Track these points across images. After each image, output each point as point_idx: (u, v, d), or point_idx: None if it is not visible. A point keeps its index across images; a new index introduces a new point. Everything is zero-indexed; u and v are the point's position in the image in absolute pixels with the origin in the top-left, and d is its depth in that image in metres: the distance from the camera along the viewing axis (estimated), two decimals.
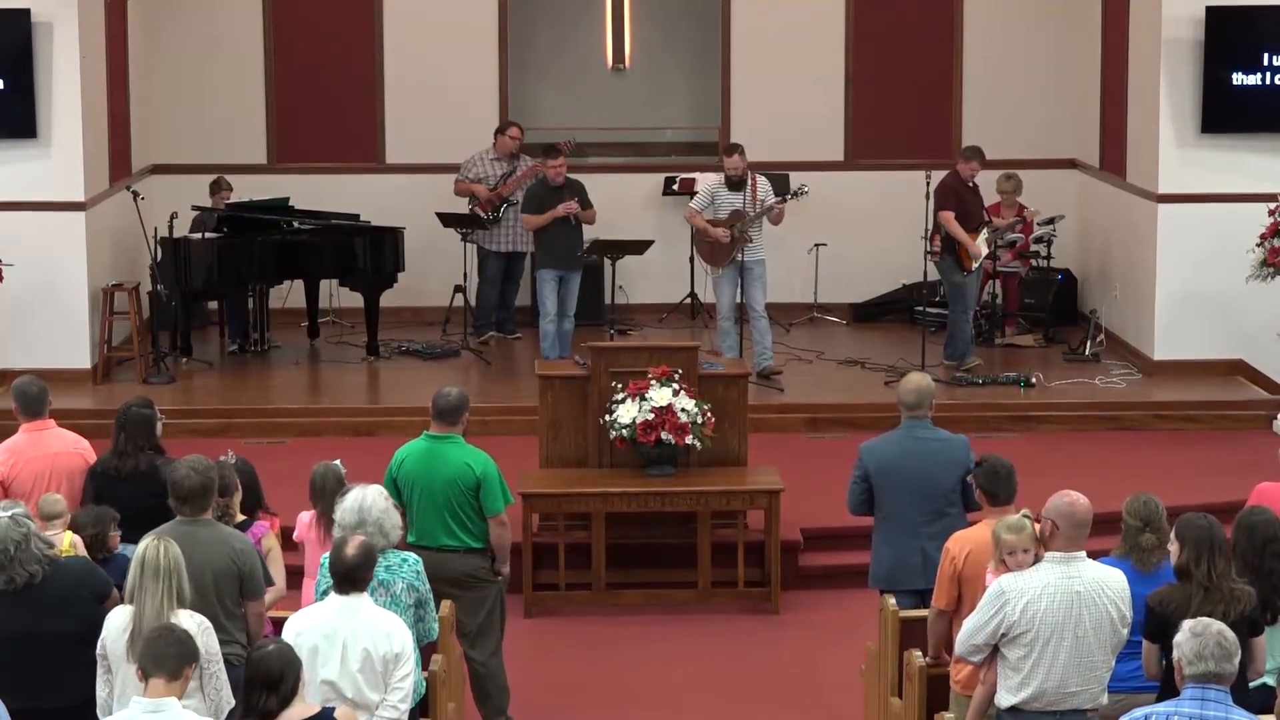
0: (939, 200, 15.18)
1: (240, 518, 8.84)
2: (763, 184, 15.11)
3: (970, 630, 7.64)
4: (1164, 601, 7.52)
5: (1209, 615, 7.35)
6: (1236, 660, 6.68)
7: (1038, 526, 7.75)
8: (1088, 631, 7.48)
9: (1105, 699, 7.61)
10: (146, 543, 7.38)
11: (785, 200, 15.03)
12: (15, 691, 7.62)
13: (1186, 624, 6.74)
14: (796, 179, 15.68)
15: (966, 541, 8.36)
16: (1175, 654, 6.72)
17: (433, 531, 9.58)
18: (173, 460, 8.73)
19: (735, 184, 15.03)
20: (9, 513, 7.83)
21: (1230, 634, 6.70)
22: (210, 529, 8.05)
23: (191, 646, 6.74)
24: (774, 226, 15.25)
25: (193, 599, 7.47)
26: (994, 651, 7.63)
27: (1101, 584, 7.53)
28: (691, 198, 16.29)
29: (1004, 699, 7.61)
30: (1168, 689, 7.21)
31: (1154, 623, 7.45)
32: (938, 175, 15.33)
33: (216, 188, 16.55)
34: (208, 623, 7.42)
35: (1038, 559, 7.66)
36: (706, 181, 15.61)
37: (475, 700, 9.85)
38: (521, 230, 16.33)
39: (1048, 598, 7.48)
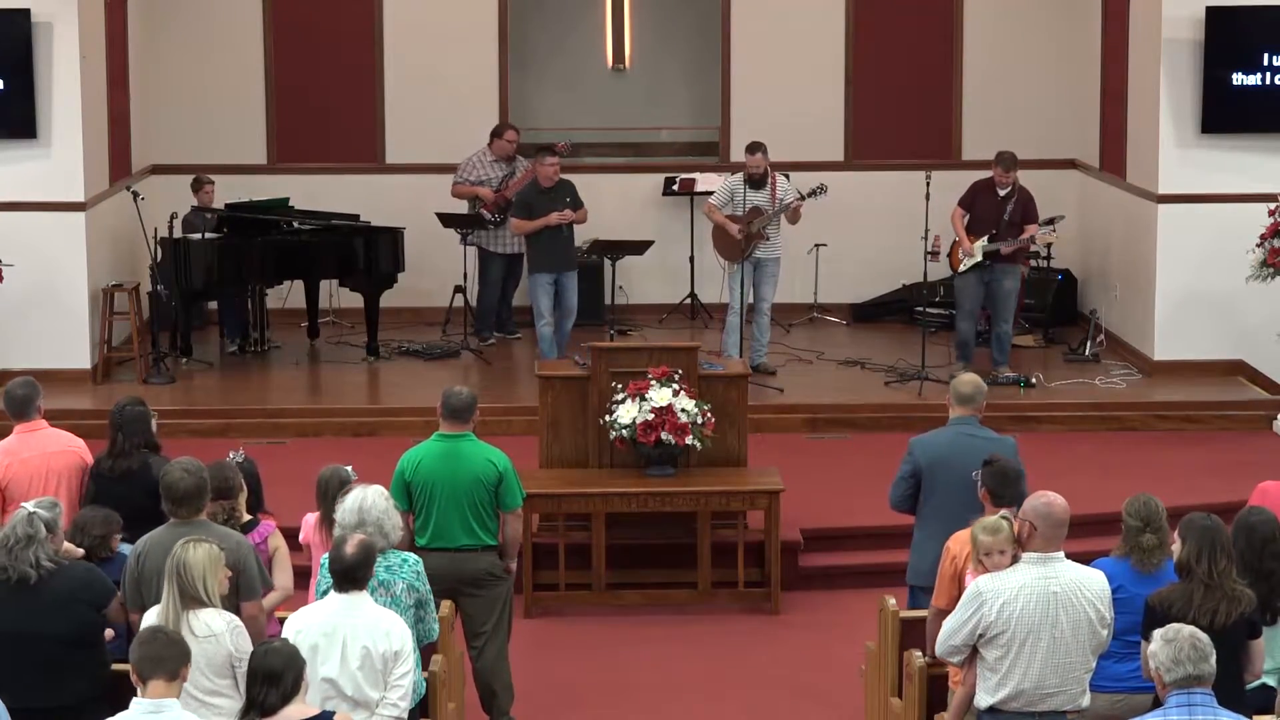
0: (962, 195, 15.26)
1: (246, 518, 8.83)
2: (783, 183, 15.16)
3: (948, 631, 7.65)
4: (1164, 601, 7.51)
5: (1209, 613, 7.38)
6: (1213, 660, 6.66)
7: (1017, 527, 7.75)
8: (1065, 632, 7.47)
9: (1086, 700, 7.60)
10: (175, 545, 7.41)
11: (804, 199, 15.06)
12: (10, 690, 7.64)
13: (1157, 633, 6.74)
14: (799, 179, 15.67)
15: (966, 541, 8.36)
16: (1152, 664, 6.72)
17: (453, 531, 9.58)
18: (166, 460, 8.72)
19: (756, 182, 15.08)
20: (33, 509, 7.86)
21: (1203, 636, 6.70)
22: (203, 530, 8.04)
23: (184, 646, 6.76)
24: (791, 225, 15.31)
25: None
26: (974, 652, 7.64)
27: (1080, 585, 7.52)
28: (691, 198, 16.33)
29: (982, 699, 7.62)
30: None
31: (1153, 622, 7.40)
32: (938, 175, 15.30)
33: (199, 184, 16.50)
34: (238, 622, 7.44)
35: (1015, 560, 7.66)
36: (728, 179, 15.59)
37: (480, 699, 9.85)
38: None
39: (1024, 598, 7.47)
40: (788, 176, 15.46)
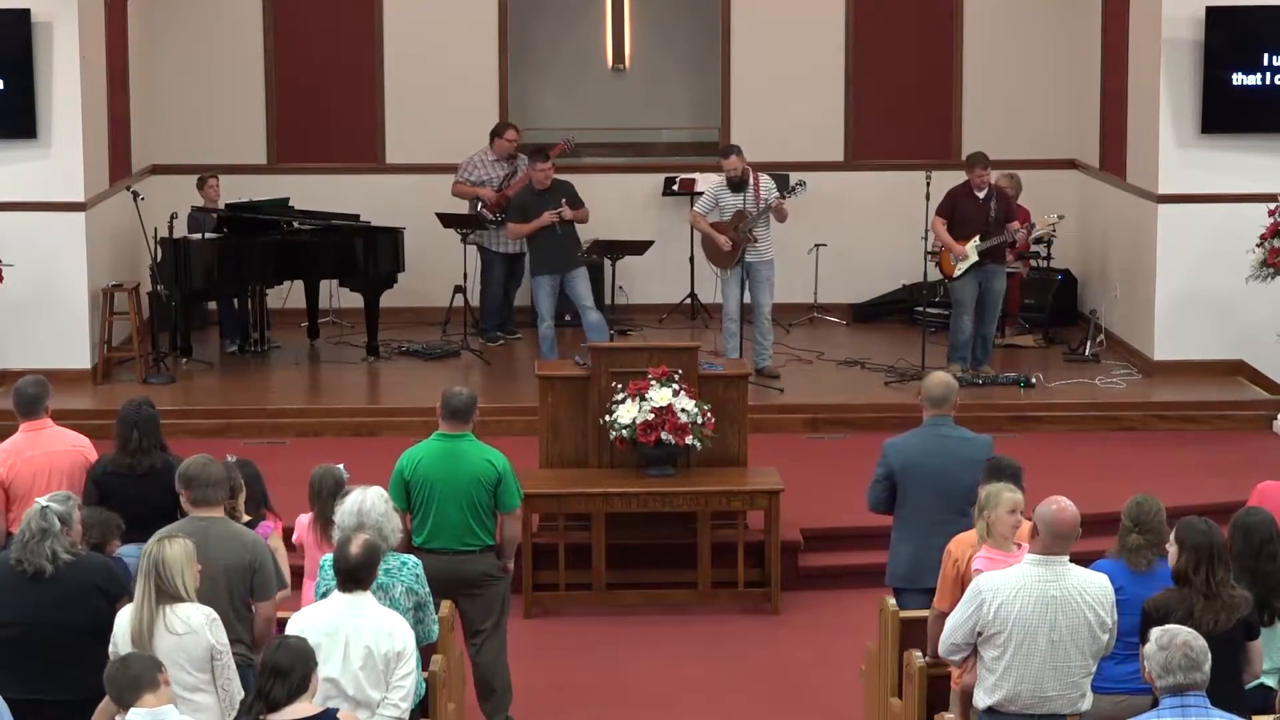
0: (940, 204, 15.16)
1: (246, 518, 8.83)
2: (765, 182, 15.11)
3: (949, 629, 7.67)
4: (1160, 607, 7.50)
5: (1210, 622, 7.36)
6: (1207, 666, 6.64)
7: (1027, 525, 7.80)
8: (1063, 635, 7.46)
9: (1086, 704, 7.59)
10: (149, 542, 7.42)
11: (784, 198, 15.04)
12: (20, 681, 7.68)
13: (1153, 634, 6.74)
14: (795, 178, 15.68)
15: (967, 543, 8.37)
16: (1146, 666, 6.72)
17: (453, 532, 9.57)
18: (181, 459, 8.73)
19: (737, 185, 15.04)
20: (46, 503, 7.87)
21: (1197, 642, 6.68)
22: (222, 525, 8.09)
23: (152, 657, 6.79)
24: (780, 224, 15.27)
25: (203, 592, 7.50)
26: (974, 651, 7.65)
27: (1081, 589, 7.50)
28: (691, 198, 16.31)
29: (981, 699, 7.63)
30: None
31: (1148, 628, 7.39)
32: (938, 175, 15.32)
33: (203, 181, 16.50)
34: (215, 614, 7.45)
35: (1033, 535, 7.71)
36: (710, 184, 15.59)
37: (479, 699, 9.86)
38: None
39: (1022, 599, 7.47)
40: (793, 179, 15.45)
